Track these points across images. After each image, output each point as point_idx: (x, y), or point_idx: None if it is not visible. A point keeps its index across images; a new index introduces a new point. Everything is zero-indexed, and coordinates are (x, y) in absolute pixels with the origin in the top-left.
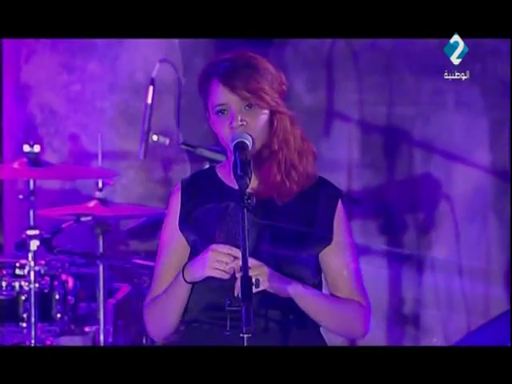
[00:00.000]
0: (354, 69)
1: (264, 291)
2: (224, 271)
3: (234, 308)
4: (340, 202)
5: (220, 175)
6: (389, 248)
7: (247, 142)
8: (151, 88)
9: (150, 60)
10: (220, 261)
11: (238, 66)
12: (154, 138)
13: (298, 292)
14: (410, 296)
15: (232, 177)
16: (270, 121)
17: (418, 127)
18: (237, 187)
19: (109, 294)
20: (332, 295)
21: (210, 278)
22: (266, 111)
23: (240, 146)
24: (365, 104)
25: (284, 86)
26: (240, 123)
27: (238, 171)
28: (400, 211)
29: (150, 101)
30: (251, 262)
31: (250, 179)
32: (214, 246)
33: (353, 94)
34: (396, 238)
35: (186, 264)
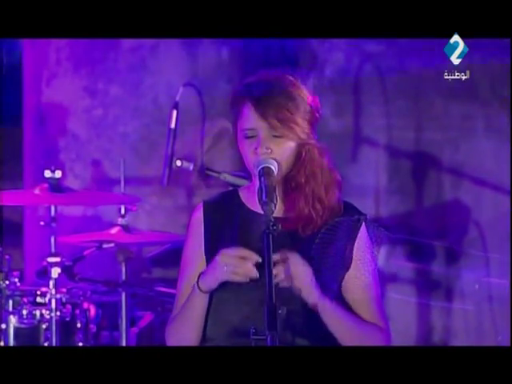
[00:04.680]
0: (382, 93)
1: (289, 320)
2: (236, 273)
3: (260, 337)
4: (364, 226)
5: (243, 199)
6: (417, 275)
7: (272, 168)
8: (175, 112)
9: (174, 84)
10: (230, 264)
11: (274, 91)
12: (178, 163)
13: (328, 306)
14: (439, 324)
15: (255, 200)
16: (298, 151)
17: (446, 152)
18: (260, 211)
19: (131, 322)
20: (357, 315)
21: (228, 304)
22: (295, 142)
23: (265, 172)
24: (393, 129)
25: (317, 114)
26: (265, 150)
27: (264, 197)
28: (428, 237)
29: (173, 125)
30: (295, 258)
31: (275, 205)
32: (223, 251)
33: (380, 118)
34: (424, 265)
35: (199, 274)
